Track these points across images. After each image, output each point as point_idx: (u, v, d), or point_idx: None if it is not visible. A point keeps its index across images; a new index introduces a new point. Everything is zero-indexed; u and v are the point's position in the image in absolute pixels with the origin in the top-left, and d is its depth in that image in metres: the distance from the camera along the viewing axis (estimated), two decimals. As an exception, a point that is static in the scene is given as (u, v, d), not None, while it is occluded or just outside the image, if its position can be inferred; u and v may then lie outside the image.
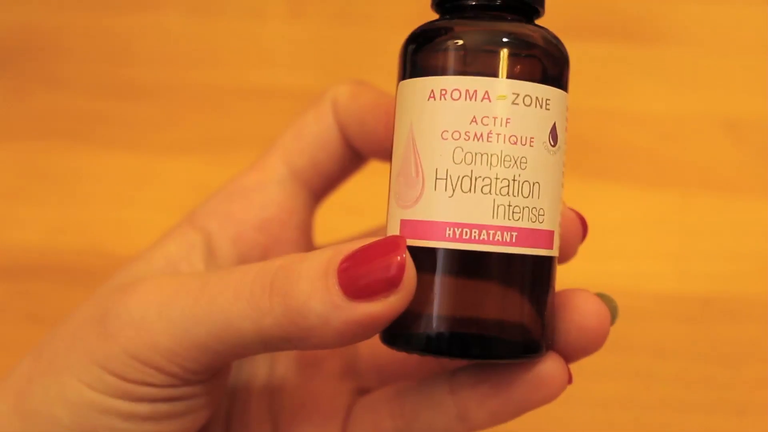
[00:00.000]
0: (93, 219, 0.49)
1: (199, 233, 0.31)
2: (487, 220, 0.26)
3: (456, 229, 0.26)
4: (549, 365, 0.28)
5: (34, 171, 0.51)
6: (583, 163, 0.50)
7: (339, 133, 0.32)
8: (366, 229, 0.34)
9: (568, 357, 0.29)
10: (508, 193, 0.26)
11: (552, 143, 0.27)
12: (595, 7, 0.53)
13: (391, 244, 0.26)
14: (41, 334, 0.30)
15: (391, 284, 0.25)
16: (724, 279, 0.47)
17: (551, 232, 0.27)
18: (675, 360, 0.46)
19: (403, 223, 0.27)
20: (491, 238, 0.26)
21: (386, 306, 0.25)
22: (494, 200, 0.26)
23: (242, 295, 0.26)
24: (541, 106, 0.27)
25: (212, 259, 0.31)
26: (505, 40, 0.27)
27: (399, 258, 0.26)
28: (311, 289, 0.26)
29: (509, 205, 0.26)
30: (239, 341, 0.26)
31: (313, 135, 0.32)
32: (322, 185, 0.33)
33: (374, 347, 0.33)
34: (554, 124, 0.27)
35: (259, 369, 0.33)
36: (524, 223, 0.26)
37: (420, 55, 0.28)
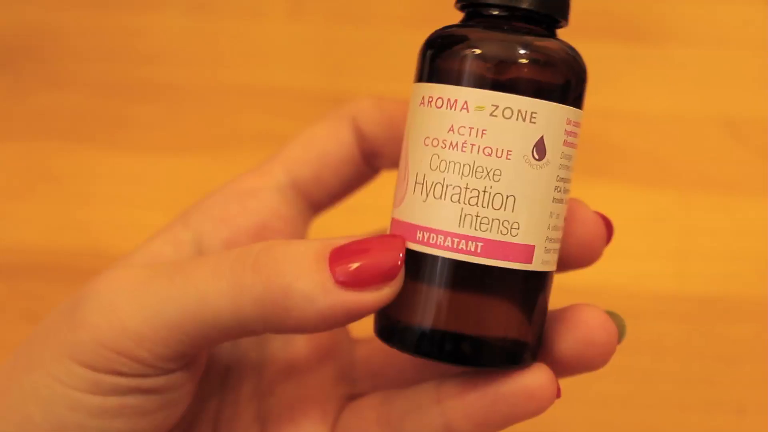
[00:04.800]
0: (93, 219, 0.49)
1: (190, 232, 0.31)
2: (453, 228, 0.26)
3: (425, 233, 0.27)
4: (535, 377, 0.27)
5: (34, 171, 0.51)
6: (583, 163, 0.49)
7: (352, 148, 0.32)
8: (363, 231, 0.34)
9: (571, 370, 0.29)
10: (477, 203, 0.26)
11: (536, 157, 0.27)
12: (594, 7, 0.53)
13: (392, 240, 0.27)
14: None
15: (387, 277, 0.26)
16: (724, 279, 0.47)
17: (530, 247, 0.27)
18: (675, 360, 0.46)
19: (393, 221, 0.28)
20: (455, 246, 0.26)
21: (377, 297, 0.26)
22: (462, 209, 0.26)
23: (221, 272, 0.26)
24: (524, 119, 0.26)
25: None
26: (491, 51, 0.27)
27: (398, 255, 0.26)
28: (300, 270, 0.26)
29: (477, 216, 0.26)
30: (214, 321, 0.26)
31: (321, 148, 0.32)
32: (322, 199, 0.33)
33: (370, 354, 0.33)
34: (542, 137, 0.27)
35: (249, 373, 0.33)
36: (493, 235, 0.26)
37: (422, 60, 0.28)
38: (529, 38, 0.27)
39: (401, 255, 0.26)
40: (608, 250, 0.48)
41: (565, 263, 0.30)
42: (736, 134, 0.51)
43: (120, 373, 0.27)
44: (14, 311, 0.47)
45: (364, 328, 0.34)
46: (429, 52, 0.28)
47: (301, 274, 0.26)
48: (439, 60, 0.28)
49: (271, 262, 0.26)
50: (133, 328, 0.26)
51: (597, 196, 0.50)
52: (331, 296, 0.26)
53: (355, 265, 0.26)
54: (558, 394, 0.28)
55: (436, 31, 0.28)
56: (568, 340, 0.28)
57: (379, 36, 0.53)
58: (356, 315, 0.26)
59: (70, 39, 0.53)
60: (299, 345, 0.33)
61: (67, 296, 0.29)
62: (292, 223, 0.32)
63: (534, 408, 0.27)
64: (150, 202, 0.49)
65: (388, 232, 0.28)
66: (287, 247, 0.27)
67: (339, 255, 0.26)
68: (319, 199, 0.33)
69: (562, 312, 0.29)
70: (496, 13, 0.28)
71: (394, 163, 0.32)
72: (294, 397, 0.32)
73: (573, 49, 0.28)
